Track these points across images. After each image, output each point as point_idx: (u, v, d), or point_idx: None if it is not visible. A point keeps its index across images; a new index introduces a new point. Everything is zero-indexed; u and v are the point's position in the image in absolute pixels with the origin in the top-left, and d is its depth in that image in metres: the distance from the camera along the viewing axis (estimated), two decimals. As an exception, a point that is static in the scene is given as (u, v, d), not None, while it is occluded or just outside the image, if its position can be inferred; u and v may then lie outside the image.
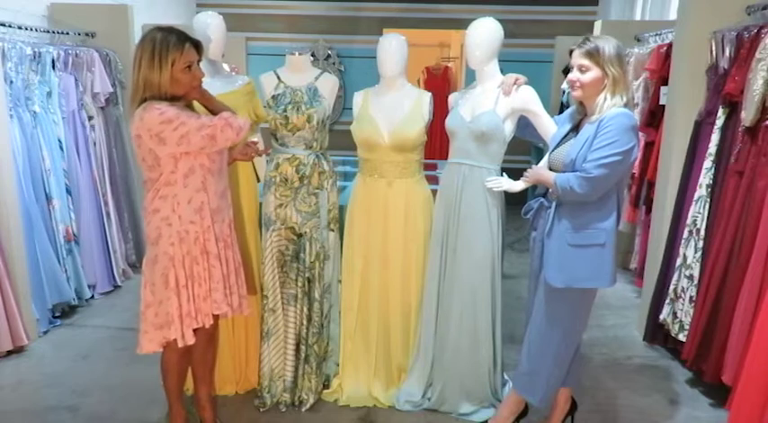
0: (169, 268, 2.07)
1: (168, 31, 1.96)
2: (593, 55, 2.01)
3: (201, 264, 2.10)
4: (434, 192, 2.67)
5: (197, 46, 2.01)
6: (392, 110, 2.58)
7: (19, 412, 2.65)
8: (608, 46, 2.01)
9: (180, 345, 2.11)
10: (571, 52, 2.11)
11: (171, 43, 1.92)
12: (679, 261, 3.04)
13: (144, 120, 1.93)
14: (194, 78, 2.02)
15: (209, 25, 2.56)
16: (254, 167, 2.78)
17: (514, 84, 2.40)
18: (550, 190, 2.18)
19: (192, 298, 2.10)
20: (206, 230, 2.10)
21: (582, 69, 2.04)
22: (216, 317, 2.22)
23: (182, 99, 2.05)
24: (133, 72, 1.99)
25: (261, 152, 2.43)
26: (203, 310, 2.12)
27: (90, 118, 4.00)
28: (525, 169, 2.26)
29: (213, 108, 2.12)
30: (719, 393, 2.70)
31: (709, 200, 2.91)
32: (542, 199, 2.23)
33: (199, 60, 2.04)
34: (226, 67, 2.75)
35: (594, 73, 2.02)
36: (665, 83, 3.52)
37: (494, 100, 2.41)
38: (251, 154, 2.39)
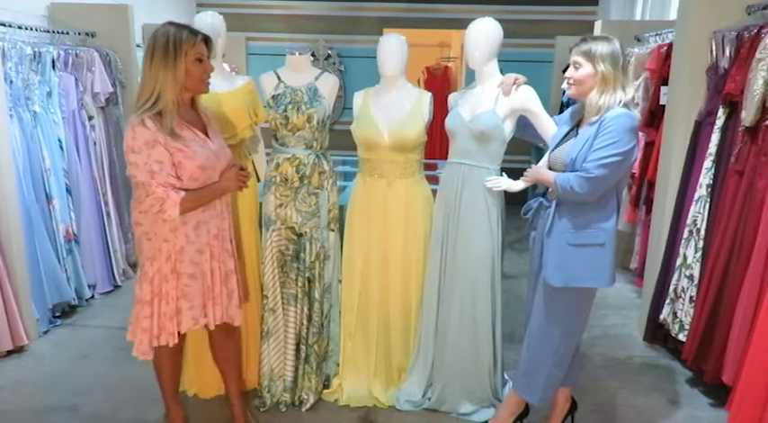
0: (143, 281, 2.09)
1: (180, 25, 2.01)
2: (587, 52, 2.05)
3: (171, 282, 2.08)
4: (435, 192, 2.67)
5: (207, 41, 2.05)
6: (392, 110, 2.58)
7: (19, 412, 2.65)
8: (603, 44, 2.03)
9: (133, 353, 2.12)
10: (571, 51, 2.13)
11: (184, 35, 1.96)
12: (679, 261, 3.04)
13: (125, 134, 1.98)
14: (204, 71, 2.04)
15: (209, 25, 2.56)
16: (254, 167, 2.78)
17: (514, 83, 2.40)
18: (550, 189, 2.19)
19: (157, 315, 2.08)
20: (179, 251, 2.07)
21: (575, 66, 2.08)
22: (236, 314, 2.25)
23: (189, 95, 2.07)
24: (145, 66, 1.99)
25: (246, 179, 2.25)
26: (167, 329, 2.10)
27: (90, 118, 4.00)
28: (525, 169, 2.26)
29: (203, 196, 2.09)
30: (719, 393, 2.70)
31: (709, 200, 2.91)
32: (542, 199, 2.24)
33: (208, 56, 2.07)
34: (226, 66, 2.75)
35: (586, 70, 2.05)
36: (665, 83, 3.52)
37: (493, 100, 2.41)
38: (241, 185, 2.21)
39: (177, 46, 1.94)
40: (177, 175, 1.99)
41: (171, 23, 2.01)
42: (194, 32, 1.99)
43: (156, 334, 2.09)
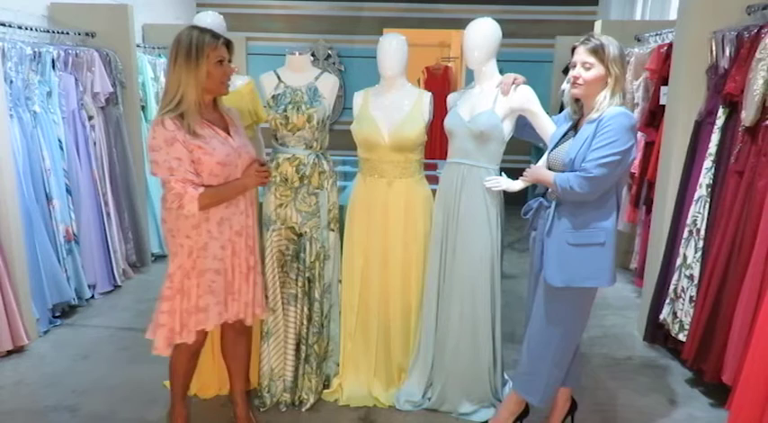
0: (166, 277, 2.11)
1: (203, 29, 2.06)
2: (598, 52, 2.01)
3: (193, 279, 2.10)
4: (435, 192, 2.67)
5: (228, 45, 2.09)
6: (392, 110, 2.58)
7: (19, 412, 2.65)
8: (612, 45, 2.02)
9: (153, 351, 2.13)
10: (573, 49, 2.11)
11: (206, 38, 2.01)
12: (679, 261, 3.04)
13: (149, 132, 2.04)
14: (224, 73, 2.08)
15: (208, 25, 2.56)
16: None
17: (513, 83, 2.40)
18: (550, 190, 2.18)
19: (178, 312, 2.10)
20: (202, 247, 2.10)
21: (586, 66, 2.04)
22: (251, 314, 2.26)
23: (211, 97, 2.10)
24: (169, 68, 2.03)
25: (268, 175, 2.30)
26: (188, 326, 2.11)
27: (90, 118, 4.00)
28: (525, 169, 2.26)
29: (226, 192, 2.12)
30: (719, 393, 2.70)
31: (709, 200, 2.91)
32: (542, 199, 2.23)
33: (229, 60, 2.10)
34: (226, 66, 2.75)
35: (598, 70, 2.02)
36: (665, 83, 3.52)
37: (492, 100, 2.41)
38: (262, 180, 2.23)
39: (200, 48, 1.99)
40: (197, 172, 2.03)
41: (194, 27, 2.07)
42: (216, 36, 2.04)
43: (178, 330, 2.10)
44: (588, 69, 2.03)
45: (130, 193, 4.40)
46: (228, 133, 2.13)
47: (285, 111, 2.55)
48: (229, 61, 2.11)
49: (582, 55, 2.04)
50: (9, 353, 3.11)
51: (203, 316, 2.13)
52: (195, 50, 1.98)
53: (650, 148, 3.91)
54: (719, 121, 2.88)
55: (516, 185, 2.38)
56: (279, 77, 2.64)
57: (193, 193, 2.00)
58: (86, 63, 3.97)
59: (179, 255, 2.09)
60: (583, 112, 2.15)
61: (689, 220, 3.00)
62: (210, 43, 2.01)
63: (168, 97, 2.02)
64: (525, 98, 2.40)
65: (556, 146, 2.20)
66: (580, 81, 2.05)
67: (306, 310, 2.66)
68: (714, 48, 2.97)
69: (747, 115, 2.60)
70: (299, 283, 2.63)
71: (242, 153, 2.14)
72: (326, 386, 2.77)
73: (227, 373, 2.66)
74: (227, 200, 2.12)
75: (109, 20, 4.30)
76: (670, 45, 3.54)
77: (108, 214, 4.10)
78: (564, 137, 2.19)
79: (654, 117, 3.83)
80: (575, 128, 2.18)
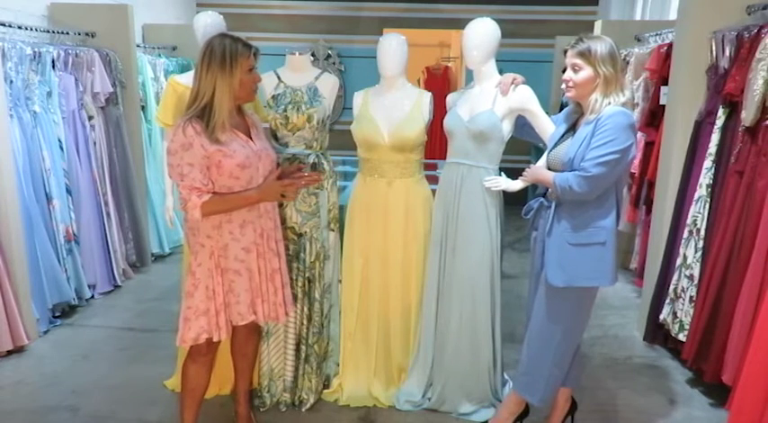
0: (187, 273, 2.14)
1: (234, 38, 2.08)
2: (585, 54, 2.02)
3: (216, 278, 2.11)
4: (435, 191, 2.67)
5: (255, 53, 2.12)
6: (392, 110, 2.58)
7: (19, 412, 2.65)
8: (601, 45, 2.01)
9: (179, 342, 2.14)
10: (566, 52, 2.13)
11: (239, 48, 2.04)
12: (679, 261, 3.04)
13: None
14: (255, 81, 2.12)
15: (209, 25, 2.57)
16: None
17: (512, 83, 2.40)
18: (550, 189, 2.18)
19: (198, 312, 2.10)
20: (222, 247, 2.11)
21: (575, 69, 2.06)
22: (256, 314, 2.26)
23: (240, 103, 2.13)
24: (200, 75, 2.03)
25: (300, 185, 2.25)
26: (216, 323, 2.11)
27: (90, 118, 4.00)
28: (524, 169, 2.26)
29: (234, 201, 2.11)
30: (719, 393, 2.70)
31: (709, 200, 2.91)
32: (542, 199, 2.24)
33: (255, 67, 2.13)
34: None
35: (587, 72, 2.03)
36: (665, 83, 3.52)
37: (492, 100, 2.41)
38: (291, 196, 2.20)
39: (233, 58, 2.01)
40: (216, 174, 2.04)
41: (225, 35, 2.09)
42: (247, 45, 2.08)
43: (206, 328, 2.11)
44: (577, 72, 2.05)
45: (130, 193, 4.40)
46: (250, 137, 2.14)
47: (285, 111, 2.55)
48: (256, 69, 2.13)
49: (571, 58, 2.07)
50: (9, 353, 3.11)
51: (236, 310, 2.15)
52: (230, 59, 2.01)
53: (650, 148, 3.91)
54: (719, 121, 2.88)
55: (516, 185, 2.38)
56: (279, 77, 2.64)
57: (195, 202, 2.02)
58: (86, 63, 3.97)
59: (200, 253, 2.11)
60: (583, 111, 2.15)
61: (689, 220, 3.00)
62: (243, 52, 2.04)
63: (196, 102, 2.02)
64: (525, 98, 2.40)
65: (555, 146, 2.20)
66: (570, 84, 2.07)
67: (306, 310, 2.66)
68: (714, 48, 2.98)
69: (747, 115, 2.60)
70: (299, 284, 2.63)
71: (262, 156, 2.15)
72: (326, 386, 2.77)
73: (227, 373, 2.67)
74: (235, 209, 2.11)
75: (109, 20, 4.31)
76: (670, 45, 3.54)
77: (108, 214, 4.10)
78: (563, 137, 2.19)
79: (654, 117, 3.83)
80: (573, 128, 2.18)
